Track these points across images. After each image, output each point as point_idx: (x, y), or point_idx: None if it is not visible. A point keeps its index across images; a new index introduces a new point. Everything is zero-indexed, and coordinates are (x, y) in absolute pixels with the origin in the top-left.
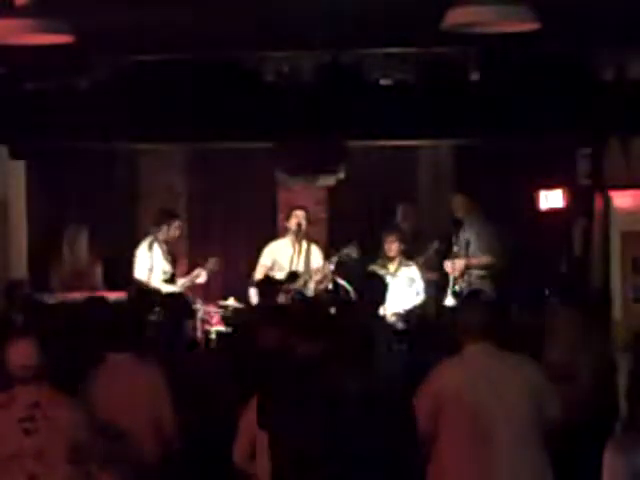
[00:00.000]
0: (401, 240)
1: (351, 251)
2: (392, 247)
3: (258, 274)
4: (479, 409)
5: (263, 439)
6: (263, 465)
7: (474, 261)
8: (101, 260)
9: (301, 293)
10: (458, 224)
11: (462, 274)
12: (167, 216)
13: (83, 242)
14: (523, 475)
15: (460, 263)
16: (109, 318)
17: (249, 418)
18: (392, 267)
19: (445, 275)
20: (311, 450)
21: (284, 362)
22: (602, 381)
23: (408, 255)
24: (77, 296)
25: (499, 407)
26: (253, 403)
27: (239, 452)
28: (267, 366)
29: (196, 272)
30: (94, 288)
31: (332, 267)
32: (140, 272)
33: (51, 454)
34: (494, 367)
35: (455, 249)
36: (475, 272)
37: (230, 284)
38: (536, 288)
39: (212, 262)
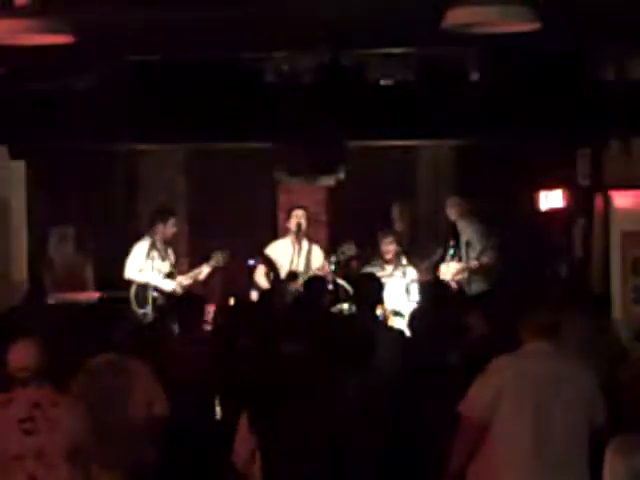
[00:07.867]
0: (397, 242)
1: (348, 249)
2: (389, 249)
3: (259, 275)
4: (540, 408)
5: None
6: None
7: (474, 264)
8: (92, 260)
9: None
10: (453, 227)
11: (455, 277)
12: (161, 214)
13: (69, 243)
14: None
15: (454, 267)
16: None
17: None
18: (389, 268)
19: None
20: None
21: (266, 361)
22: (602, 382)
23: (406, 256)
24: (73, 297)
25: (558, 407)
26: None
27: (238, 452)
28: (247, 365)
29: (197, 269)
30: (84, 288)
31: (332, 267)
32: (130, 272)
33: (51, 454)
34: (555, 368)
35: (450, 252)
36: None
37: (230, 284)
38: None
39: (217, 257)
